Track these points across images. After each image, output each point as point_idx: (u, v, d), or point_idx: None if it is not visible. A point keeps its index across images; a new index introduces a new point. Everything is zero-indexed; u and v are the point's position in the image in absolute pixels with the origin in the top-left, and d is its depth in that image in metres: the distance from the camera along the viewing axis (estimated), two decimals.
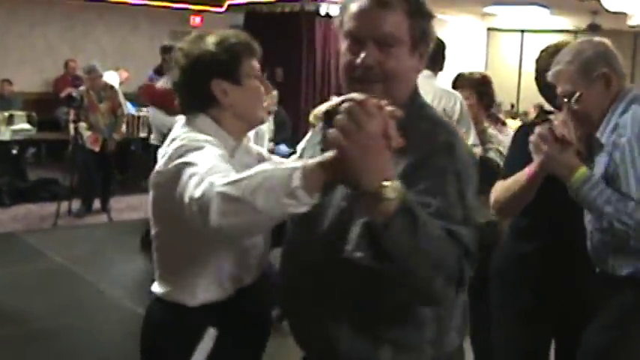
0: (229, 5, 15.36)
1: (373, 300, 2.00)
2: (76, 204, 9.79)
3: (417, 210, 1.73)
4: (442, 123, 2.13)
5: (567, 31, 15.73)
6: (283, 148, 9.40)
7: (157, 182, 2.35)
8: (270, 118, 11.63)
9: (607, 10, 10.28)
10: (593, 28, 14.73)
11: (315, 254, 2.08)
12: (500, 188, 3.14)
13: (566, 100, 2.89)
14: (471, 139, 4.51)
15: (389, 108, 1.70)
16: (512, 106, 15.73)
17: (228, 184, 1.81)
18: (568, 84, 2.90)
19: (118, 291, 6.77)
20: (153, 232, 2.48)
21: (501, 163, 3.91)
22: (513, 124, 6.87)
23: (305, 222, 2.06)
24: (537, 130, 2.86)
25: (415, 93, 2.15)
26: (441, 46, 4.87)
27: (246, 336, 2.49)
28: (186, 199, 1.92)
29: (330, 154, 1.68)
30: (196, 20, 16.78)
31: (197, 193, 1.87)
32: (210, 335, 2.36)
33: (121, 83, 12.57)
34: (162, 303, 2.47)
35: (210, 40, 2.39)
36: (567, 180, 2.80)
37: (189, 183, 1.96)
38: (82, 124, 9.51)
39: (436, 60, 4.80)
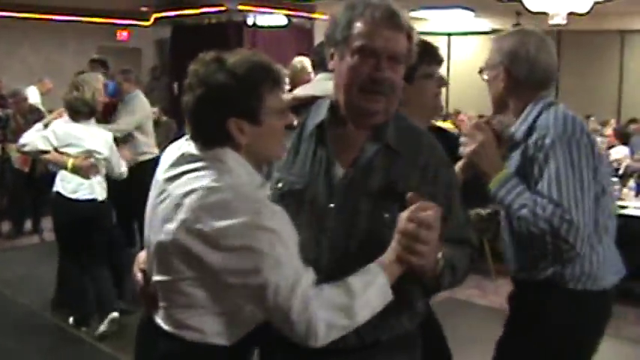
0: (156, 19, 15.27)
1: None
2: (6, 226, 9.62)
3: (453, 259, 2.26)
4: (424, 132, 2.50)
5: (492, 33, 15.95)
6: None
7: (193, 247, 2.05)
8: None
9: (529, 11, 10.46)
10: None
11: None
12: None
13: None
14: None
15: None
16: (442, 108, 15.92)
17: (331, 310, 2.04)
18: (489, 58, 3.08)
19: (52, 313, 6.66)
20: (166, 277, 2.19)
21: None
22: (445, 127, 6.97)
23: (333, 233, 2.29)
24: (475, 121, 3.05)
25: None
26: None
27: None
28: (277, 314, 2.04)
29: (393, 255, 2.09)
30: (123, 35, 16.66)
31: (297, 317, 2.00)
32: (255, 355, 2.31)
33: (42, 94, 12.31)
34: (195, 347, 2.20)
35: (230, 67, 2.12)
36: (489, 179, 2.85)
37: (281, 294, 1.99)
38: (12, 146, 9.34)
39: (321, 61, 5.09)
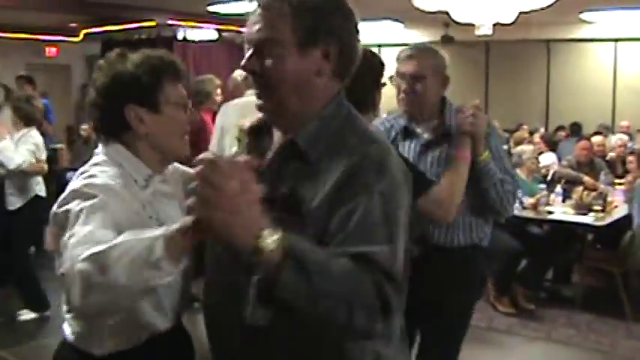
0: (85, 34, 15.13)
1: (313, 344, 1.85)
2: None
3: (304, 253, 1.63)
4: (373, 137, 1.95)
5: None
6: None
7: (55, 222, 2.03)
8: None
9: (456, 22, 10.62)
10: (447, 40, 15.18)
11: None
12: (448, 190, 3.27)
13: (410, 79, 3.46)
14: None
15: (244, 159, 1.64)
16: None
17: (87, 259, 1.66)
18: (419, 69, 3.45)
19: None
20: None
21: None
22: None
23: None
24: (468, 107, 3.48)
25: (338, 103, 1.98)
26: None
27: None
28: (58, 270, 1.80)
29: (189, 217, 1.58)
30: (52, 51, 16.46)
31: (63, 269, 1.74)
32: None
33: None
34: (70, 348, 2.19)
35: (132, 60, 2.15)
36: (482, 153, 3.38)
37: (65, 249, 1.82)
38: None
39: None
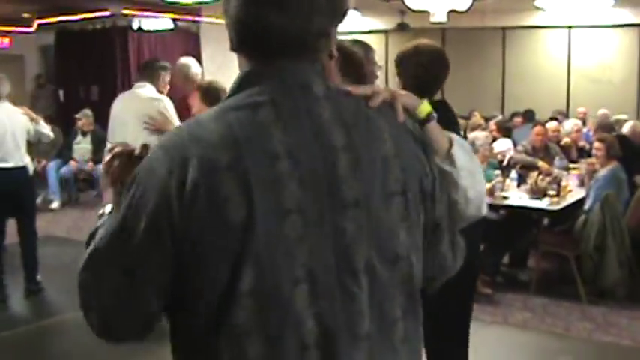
0: (39, 25, 14.96)
1: None
2: None
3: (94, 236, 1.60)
4: (189, 125, 1.56)
5: (378, 32, 16.19)
6: None
7: None
8: (88, 138, 11.42)
9: (412, 10, 10.67)
10: (403, 27, 15.25)
11: None
12: None
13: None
14: None
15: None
16: None
17: None
18: None
19: None
20: None
21: None
22: None
23: None
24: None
25: (234, 87, 1.61)
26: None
27: None
28: None
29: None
30: (4, 42, 16.24)
31: None
32: None
33: None
34: None
35: None
36: None
37: None
38: None
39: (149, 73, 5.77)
